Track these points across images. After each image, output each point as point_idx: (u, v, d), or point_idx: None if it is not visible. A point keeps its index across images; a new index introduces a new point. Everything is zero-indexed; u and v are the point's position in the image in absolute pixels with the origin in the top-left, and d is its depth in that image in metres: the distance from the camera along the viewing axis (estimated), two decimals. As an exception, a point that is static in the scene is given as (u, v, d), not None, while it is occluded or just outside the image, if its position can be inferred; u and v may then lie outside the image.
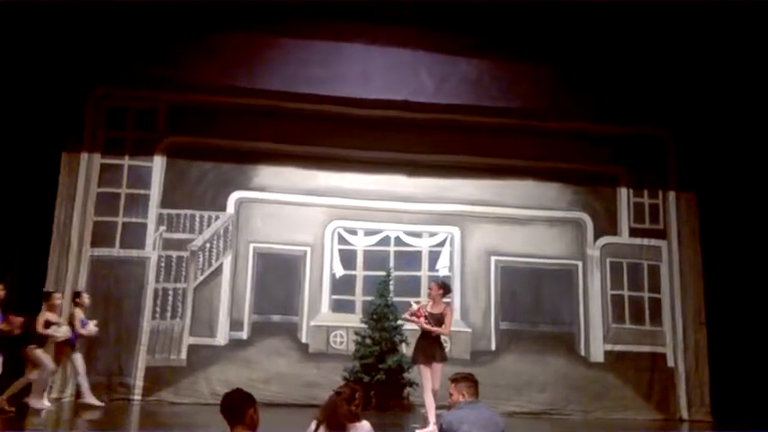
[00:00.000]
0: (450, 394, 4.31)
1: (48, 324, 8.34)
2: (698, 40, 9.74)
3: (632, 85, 10.31)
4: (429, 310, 7.56)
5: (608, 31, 9.84)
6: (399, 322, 9.79)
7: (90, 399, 8.74)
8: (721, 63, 9.92)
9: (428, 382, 7.29)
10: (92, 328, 8.82)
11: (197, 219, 10.42)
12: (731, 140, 10.61)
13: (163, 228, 10.31)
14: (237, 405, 3.32)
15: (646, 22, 9.57)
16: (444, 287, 7.87)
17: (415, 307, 7.68)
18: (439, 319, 7.48)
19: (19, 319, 8.15)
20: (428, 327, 7.44)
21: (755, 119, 10.23)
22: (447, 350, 9.86)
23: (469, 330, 10.51)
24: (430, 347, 7.43)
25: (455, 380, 4.30)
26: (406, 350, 9.89)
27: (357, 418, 3.98)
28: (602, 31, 9.88)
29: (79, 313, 8.83)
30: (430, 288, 7.85)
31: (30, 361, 8.23)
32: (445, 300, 7.88)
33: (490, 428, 3.88)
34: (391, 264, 10.55)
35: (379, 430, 4.04)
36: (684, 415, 10.38)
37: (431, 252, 10.88)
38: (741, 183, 10.57)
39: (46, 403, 8.34)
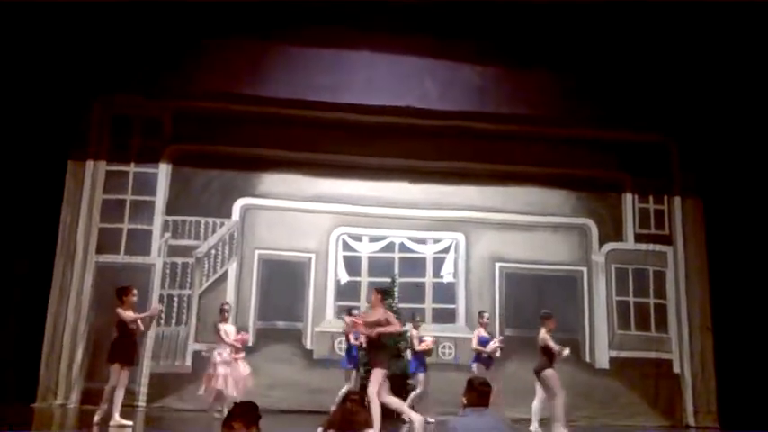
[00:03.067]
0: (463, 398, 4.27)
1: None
2: (702, 47, 9.74)
3: (636, 91, 10.32)
4: (366, 319, 7.37)
5: (612, 38, 9.85)
6: (404, 329, 9.76)
7: None
8: (725, 70, 9.92)
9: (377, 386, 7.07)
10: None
11: (202, 225, 10.45)
12: (736, 146, 10.59)
13: (168, 234, 10.34)
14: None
15: (650, 29, 9.58)
16: (383, 292, 7.79)
17: (349, 320, 7.63)
18: (375, 326, 7.17)
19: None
20: (382, 329, 7.16)
21: (760, 125, 10.21)
22: (452, 356, 9.97)
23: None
24: (380, 353, 7.27)
25: (470, 384, 4.25)
26: (411, 356, 9.89)
27: (370, 425, 3.97)
28: (606, 38, 9.89)
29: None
30: (372, 297, 7.62)
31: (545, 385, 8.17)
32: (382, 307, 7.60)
33: (495, 436, 3.86)
34: (396, 270, 10.55)
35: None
36: (691, 421, 10.33)
37: (435, 258, 10.89)
38: (746, 188, 10.54)
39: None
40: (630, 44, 9.96)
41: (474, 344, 9.16)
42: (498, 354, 9.16)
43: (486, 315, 9.45)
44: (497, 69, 10.37)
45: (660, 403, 10.42)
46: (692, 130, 11.03)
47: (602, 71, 10.25)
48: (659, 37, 9.78)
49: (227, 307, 9.10)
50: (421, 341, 9.39)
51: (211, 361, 8.69)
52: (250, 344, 10.05)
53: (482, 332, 9.20)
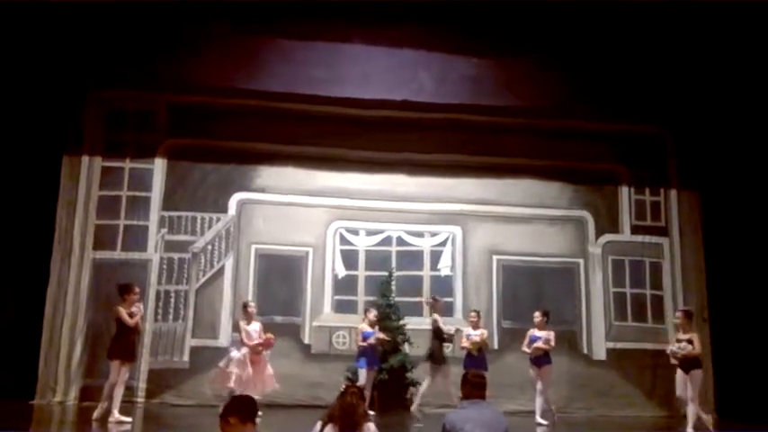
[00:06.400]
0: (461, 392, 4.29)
1: None
2: (698, 39, 9.74)
3: (633, 83, 10.32)
4: None
5: (608, 29, 9.84)
6: (402, 322, 9.80)
7: None
8: (721, 62, 9.93)
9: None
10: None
11: (198, 220, 10.43)
12: (732, 138, 10.62)
13: (164, 230, 10.32)
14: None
15: (646, 20, 9.58)
16: None
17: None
18: None
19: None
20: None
21: (756, 116, 10.23)
22: (449, 349, 9.99)
23: (472, 329, 10.51)
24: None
25: (465, 377, 4.28)
26: (410, 350, 9.91)
27: (368, 418, 3.98)
28: (602, 30, 9.88)
29: None
30: None
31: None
32: None
33: (493, 428, 3.89)
34: (393, 264, 10.56)
35: (382, 430, 4.03)
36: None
37: (432, 251, 10.89)
38: (742, 180, 10.57)
39: None
40: (626, 35, 9.95)
41: (524, 345, 9.06)
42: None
43: (538, 314, 9.21)
44: (493, 61, 10.36)
45: (657, 394, 10.45)
46: (688, 121, 11.04)
47: (598, 62, 10.26)
48: (654, 27, 9.78)
49: (251, 306, 8.67)
50: (467, 338, 9.16)
51: (227, 358, 8.36)
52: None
53: (535, 332, 9.05)
